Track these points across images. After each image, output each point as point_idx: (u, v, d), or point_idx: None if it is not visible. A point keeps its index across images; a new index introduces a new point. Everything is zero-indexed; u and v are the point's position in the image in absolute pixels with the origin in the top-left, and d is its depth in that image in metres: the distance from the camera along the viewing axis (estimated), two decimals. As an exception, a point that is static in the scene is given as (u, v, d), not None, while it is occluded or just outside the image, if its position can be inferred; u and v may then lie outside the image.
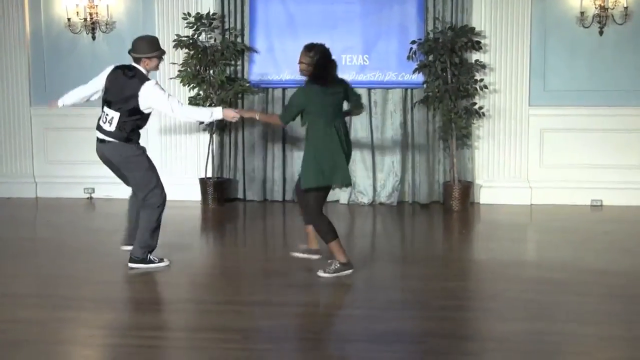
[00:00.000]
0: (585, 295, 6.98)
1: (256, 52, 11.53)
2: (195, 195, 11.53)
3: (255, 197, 11.79)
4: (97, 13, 11.72)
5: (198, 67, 11.19)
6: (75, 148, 12.05)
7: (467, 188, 11.17)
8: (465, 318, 6.54)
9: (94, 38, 11.85)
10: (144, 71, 7.81)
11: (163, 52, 8.05)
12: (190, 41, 11.14)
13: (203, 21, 11.21)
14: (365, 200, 11.59)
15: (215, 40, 11.33)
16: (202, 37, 11.30)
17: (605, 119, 11.32)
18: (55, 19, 11.95)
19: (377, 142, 11.59)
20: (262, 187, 11.80)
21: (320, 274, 7.52)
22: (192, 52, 11.16)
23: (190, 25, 11.17)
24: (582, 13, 11.08)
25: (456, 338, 5.95)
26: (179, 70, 11.19)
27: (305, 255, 8.07)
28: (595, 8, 11.03)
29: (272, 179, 11.79)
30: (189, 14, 11.24)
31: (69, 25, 11.76)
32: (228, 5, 11.60)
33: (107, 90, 7.90)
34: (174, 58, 11.42)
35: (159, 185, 7.83)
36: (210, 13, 11.31)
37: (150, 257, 7.89)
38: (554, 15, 11.29)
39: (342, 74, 11.22)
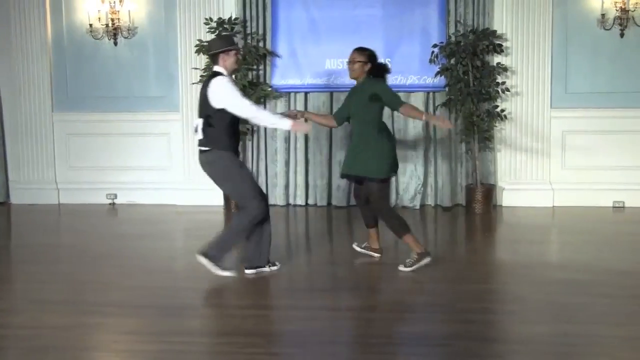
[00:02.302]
0: (609, 297, 6.96)
1: (278, 56, 11.54)
2: (218, 200, 11.56)
3: (278, 201, 11.81)
4: (118, 19, 11.76)
5: (220, 72, 11.22)
6: (98, 154, 12.13)
7: (490, 191, 11.16)
8: (490, 320, 6.54)
9: (115, 44, 11.90)
10: (220, 70, 7.64)
11: (238, 47, 7.95)
12: (212, 46, 11.17)
13: (225, 26, 11.25)
14: (388, 203, 11.59)
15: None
16: (224, 42, 11.32)
17: (627, 120, 11.29)
18: (77, 25, 12.01)
19: (399, 146, 11.53)
20: (285, 191, 11.82)
21: (401, 268, 7.90)
22: (213, 57, 11.20)
23: (212, 30, 11.20)
24: (603, 15, 11.05)
25: (481, 340, 5.95)
26: (201, 76, 11.21)
27: (365, 251, 8.57)
28: (616, 10, 10.99)
29: (295, 184, 11.80)
30: (210, 19, 11.28)
31: (91, 31, 11.81)
32: (250, 10, 11.62)
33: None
34: (195, 63, 11.47)
35: (257, 196, 7.74)
36: (232, 18, 11.35)
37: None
38: (575, 18, 11.27)
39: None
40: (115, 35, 11.83)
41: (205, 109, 7.52)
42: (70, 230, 10.83)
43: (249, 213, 7.61)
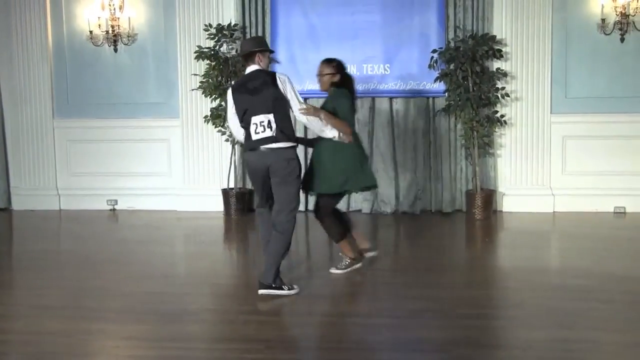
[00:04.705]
0: (609, 303, 6.96)
1: (277, 62, 11.51)
2: (218, 205, 11.55)
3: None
4: (118, 25, 11.77)
5: (219, 78, 11.22)
6: (98, 160, 12.13)
7: (490, 196, 11.15)
8: (490, 326, 6.52)
9: (115, 50, 11.91)
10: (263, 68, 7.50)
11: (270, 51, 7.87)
12: (212, 52, 11.18)
13: (224, 32, 11.26)
14: (388, 209, 11.58)
15: (236, 51, 11.35)
16: (224, 48, 11.34)
17: (627, 125, 11.29)
18: (78, 32, 12.02)
19: (399, 151, 11.58)
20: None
21: (333, 270, 8.03)
22: (213, 63, 11.19)
23: (212, 36, 11.22)
24: (603, 20, 11.05)
25: (480, 346, 5.94)
26: (201, 82, 11.23)
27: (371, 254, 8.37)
28: (616, 15, 11.00)
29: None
30: (210, 25, 11.28)
31: (91, 38, 11.83)
32: (249, 16, 11.64)
33: (242, 106, 7.36)
34: (195, 69, 11.48)
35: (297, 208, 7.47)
36: (232, 24, 11.36)
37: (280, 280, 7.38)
38: (574, 23, 11.28)
39: (363, 83, 11.32)
40: (115, 42, 11.84)
41: (284, 104, 7.29)
42: (71, 236, 10.84)
43: (294, 216, 7.41)
